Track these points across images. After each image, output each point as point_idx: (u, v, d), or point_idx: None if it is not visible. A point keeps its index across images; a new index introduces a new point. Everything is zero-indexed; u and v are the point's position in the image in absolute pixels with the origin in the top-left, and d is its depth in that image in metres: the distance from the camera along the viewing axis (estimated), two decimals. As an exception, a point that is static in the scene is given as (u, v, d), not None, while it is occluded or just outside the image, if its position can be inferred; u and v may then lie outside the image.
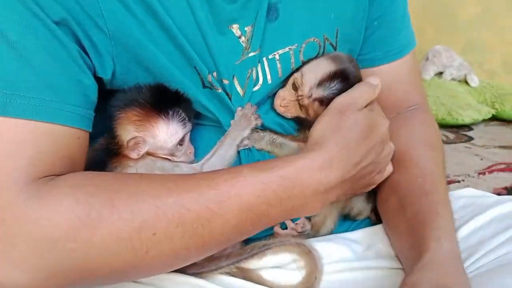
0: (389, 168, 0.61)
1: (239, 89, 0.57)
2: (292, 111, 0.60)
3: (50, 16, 0.46)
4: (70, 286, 0.45)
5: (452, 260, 0.51)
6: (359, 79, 0.59)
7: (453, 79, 2.19)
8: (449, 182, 1.49)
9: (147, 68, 0.53)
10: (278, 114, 0.61)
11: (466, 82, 2.19)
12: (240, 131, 0.57)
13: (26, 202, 0.42)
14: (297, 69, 0.60)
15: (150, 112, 0.52)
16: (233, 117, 0.57)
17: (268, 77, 0.59)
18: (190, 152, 0.57)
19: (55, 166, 0.45)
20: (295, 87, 0.58)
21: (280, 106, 0.59)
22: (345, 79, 0.57)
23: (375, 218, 0.67)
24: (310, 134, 0.54)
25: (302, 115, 0.59)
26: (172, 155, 0.55)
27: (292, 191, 0.48)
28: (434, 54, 2.23)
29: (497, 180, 1.49)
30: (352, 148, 0.51)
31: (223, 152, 0.57)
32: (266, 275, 0.57)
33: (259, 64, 0.58)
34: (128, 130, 0.53)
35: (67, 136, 0.47)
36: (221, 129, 0.58)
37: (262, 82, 0.59)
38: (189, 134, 0.56)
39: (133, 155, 0.53)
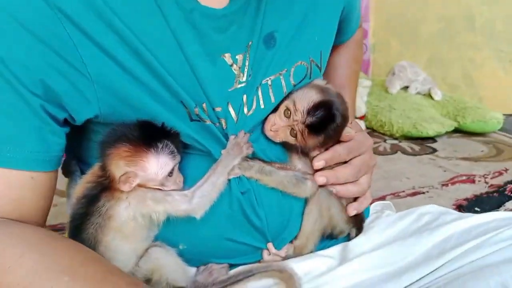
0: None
1: (233, 114, 0.60)
2: (281, 136, 0.63)
3: (26, 86, 0.51)
4: None
5: None
6: (342, 113, 0.63)
7: (418, 93, 2.30)
8: (414, 194, 1.57)
9: (132, 107, 0.55)
10: (265, 141, 0.64)
11: (430, 96, 2.30)
12: (231, 159, 0.60)
13: None
14: (287, 96, 0.63)
15: (140, 147, 0.55)
16: (222, 147, 0.60)
17: (261, 102, 0.62)
18: (179, 181, 0.59)
19: (5, 207, 0.53)
20: (287, 114, 0.62)
21: (270, 130, 0.63)
22: (328, 109, 0.61)
23: (355, 235, 0.72)
24: None
25: (290, 140, 0.63)
26: (162, 185, 0.57)
27: None
28: (399, 69, 2.33)
29: (459, 192, 1.57)
30: None
31: (214, 180, 0.59)
32: (250, 298, 0.60)
33: (253, 91, 0.61)
34: (119, 165, 0.55)
35: (20, 179, 0.54)
36: (209, 157, 0.60)
37: (256, 107, 0.62)
38: (178, 164, 0.58)
39: (125, 188, 0.55)
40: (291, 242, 0.67)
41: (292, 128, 0.62)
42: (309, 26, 0.64)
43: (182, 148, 0.59)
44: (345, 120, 0.63)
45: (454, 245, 0.63)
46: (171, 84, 0.55)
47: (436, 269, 0.62)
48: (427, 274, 0.62)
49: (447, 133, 2.11)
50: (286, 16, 0.62)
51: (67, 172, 0.68)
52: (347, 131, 0.65)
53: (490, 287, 0.55)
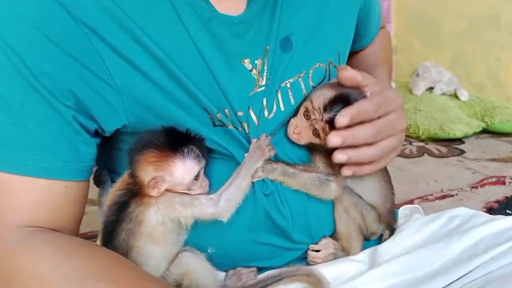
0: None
1: (254, 118, 0.61)
2: (305, 137, 0.63)
3: (57, 98, 0.53)
4: None
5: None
6: None
7: (443, 93, 2.26)
8: (443, 197, 1.54)
9: (158, 115, 0.57)
10: (287, 144, 0.65)
11: (456, 97, 2.25)
12: (254, 162, 0.60)
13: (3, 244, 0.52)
14: (306, 98, 0.64)
15: (166, 153, 0.56)
16: (245, 151, 0.61)
17: (281, 105, 0.62)
18: (205, 185, 0.60)
19: (40, 217, 0.54)
20: (306, 114, 0.62)
21: (293, 133, 0.63)
22: (345, 101, 0.60)
23: (388, 236, 0.71)
24: None
25: (314, 140, 0.63)
26: (189, 189, 0.59)
27: None
28: (424, 70, 2.30)
29: (489, 194, 1.53)
30: None
31: (239, 182, 0.59)
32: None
33: (272, 94, 0.61)
34: (147, 171, 0.56)
35: (55, 188, 0.55)
36: (233, 161, 0.61)
37: (276, 110, 0.62)
38: (203, 168, 0.60)
39: (154, 193, 0.56)
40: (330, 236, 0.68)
41: (315, 128, 0.62)
42: (324, 27, 0.65)
43: (206, 152, 0.60)
44: None
45: (485, 249, 0.62)
46: (194, 91, 0.56)
47: (467, 273, 0.61)
48: (458, 279, 0.61)
49: (474, 134, 2.07)
50: (301, 19, 0.63)
51: (98, 182, 0.70)
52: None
53: None
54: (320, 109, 0.61)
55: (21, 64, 0.51)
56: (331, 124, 0.60)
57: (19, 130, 0.53)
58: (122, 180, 0.61)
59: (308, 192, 0.64)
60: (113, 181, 0.66)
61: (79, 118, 0.55)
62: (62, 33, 0.51)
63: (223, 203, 0.58)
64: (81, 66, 0.53)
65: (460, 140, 2.04)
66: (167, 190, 0.58)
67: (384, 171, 0.72)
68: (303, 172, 0.63)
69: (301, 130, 0.63)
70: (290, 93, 0.63)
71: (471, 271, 0.61)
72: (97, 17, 0.52)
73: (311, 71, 0.64)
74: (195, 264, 0.59)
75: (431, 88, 2.30)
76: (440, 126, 2.02)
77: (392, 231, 0.71)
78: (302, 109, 0.63)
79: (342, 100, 0.61)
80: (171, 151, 0.56)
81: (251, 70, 0.60)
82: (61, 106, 0.54)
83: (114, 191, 0.61)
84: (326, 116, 0.60)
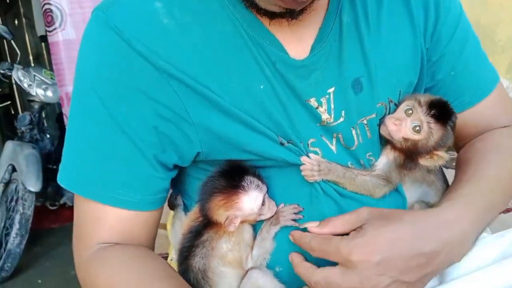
0: None
1: (329, 144, 0.67)
2: (403, 131, 0.66)
3: (142, 136, 0.63)
4: None
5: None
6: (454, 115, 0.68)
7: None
8: (508, 210, 1.48)
9: (229, 144, 0.64)
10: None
11: (515, 104, 2.17)
12: (269, 228, 0.68)
13: (84, 259, 0.66)
14: (408, 98, 0.69)
15: (230, 193, 0.64)
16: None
17: (360, 138, 0.68)
18: (272, 206, 0.67)
19: (114, 237, 0.65)
20: (408, 112, 0.66)
21: (393, 124, 0.66)
22: (447, 103, 0.68)
23: None
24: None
25: (414, 136, 0.66)
26: (260, 215, 0.67)
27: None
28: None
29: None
30: None
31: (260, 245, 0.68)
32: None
33: (348, 131, 0.67)
34: (220, 213, 0.65)
35: (130, 216, 0.66)
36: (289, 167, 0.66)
37: (357, 143, 0.68)
38: (267, 193, 0.66)
39: (232, 229, 0.65)
40: None
41: (415, 126, 0.65)
42: (385, 69, 0.68)
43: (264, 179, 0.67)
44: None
45: None
46: (263, 123, 0.64)
47: None
48: None
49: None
50: (365, 62, 0.67)
51: (173, 205, 0.80)
52: None
53: None
54: (428, 104, 0.65)
55: (113, 109, 0.62)
56: (436, 119, 0.65)
57: (110, 168, 0.63)
58: (194, 212, 0.70)
59: (358, 193, 0.68)
60: (185, 205, 0.76)
61: (159, 156, 0.64)
62: (145, 80, 0.61)
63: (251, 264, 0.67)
64: (163, 106, 0.62)
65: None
66: (242, 222, 0.66)
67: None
68: (359, 175, 0.67)
69: (400, 123, 0.66)
70: (367, 129, 0.69)
71: None
72: (176, 63, 0.61)
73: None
74: (263, 280, 0.66)
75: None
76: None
77: None
78: (403, 106, 0.67)
79: (444, 102, 0.67)
80: (234, 190, 0.64)
81: (317, 108, 0.65)
82: (145, 146, 0.63)
83: (188, 222, 0.70)
84: (433, 111, 0.65)
